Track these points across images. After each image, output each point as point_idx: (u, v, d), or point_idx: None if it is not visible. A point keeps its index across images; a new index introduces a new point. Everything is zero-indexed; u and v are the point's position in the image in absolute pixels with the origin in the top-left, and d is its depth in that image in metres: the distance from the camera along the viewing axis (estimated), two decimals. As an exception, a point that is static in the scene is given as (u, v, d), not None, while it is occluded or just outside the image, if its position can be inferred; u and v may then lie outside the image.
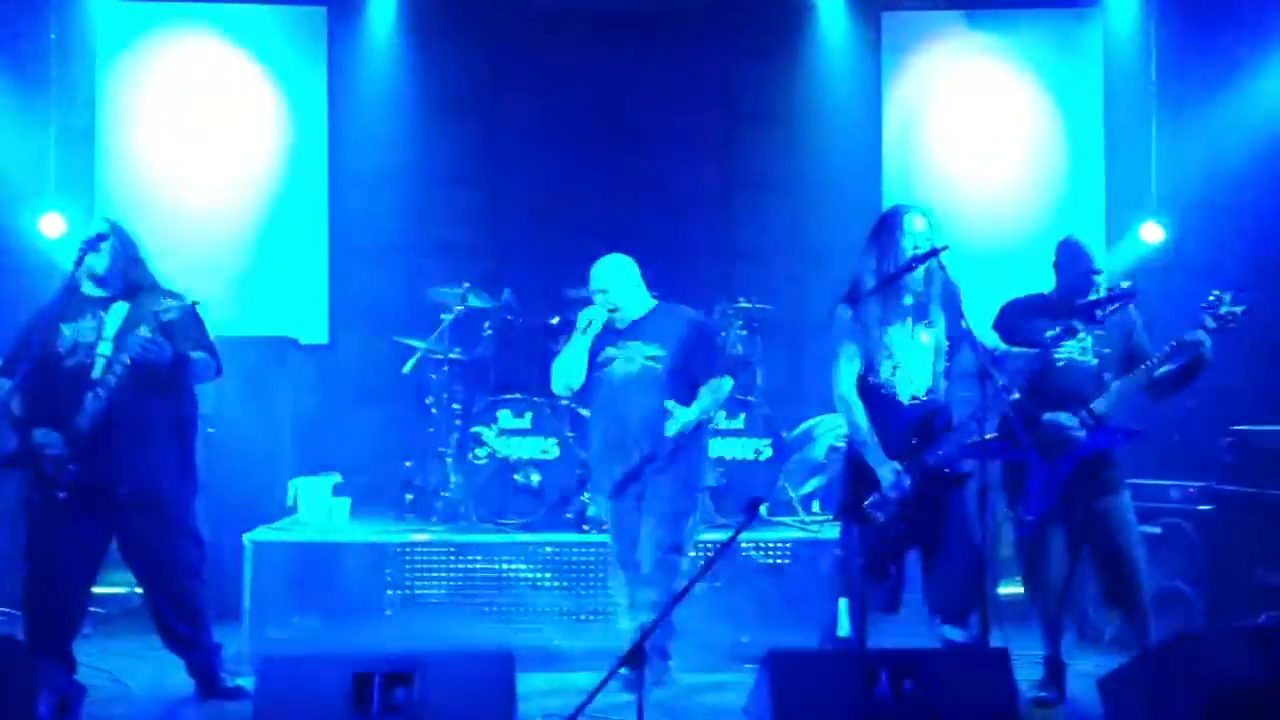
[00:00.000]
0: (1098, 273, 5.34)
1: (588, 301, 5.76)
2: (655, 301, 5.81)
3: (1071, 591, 5.43)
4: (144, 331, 5.11)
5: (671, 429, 5.48)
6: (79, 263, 5.27)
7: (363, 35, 8.57)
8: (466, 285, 7.31)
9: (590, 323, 5.65)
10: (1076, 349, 5.26)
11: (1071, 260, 5.39)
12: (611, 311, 5.66)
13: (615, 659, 3.97)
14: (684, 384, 5.57)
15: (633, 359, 5.61)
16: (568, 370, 5.73)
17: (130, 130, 8.35)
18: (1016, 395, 4.90)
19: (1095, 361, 5.25)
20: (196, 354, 5.36)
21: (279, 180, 8.50)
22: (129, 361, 5.12)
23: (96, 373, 5.21)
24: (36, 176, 7.94)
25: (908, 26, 8.62)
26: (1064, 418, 5.15)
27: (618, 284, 5.69)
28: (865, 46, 8.59)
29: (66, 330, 5.29)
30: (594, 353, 5.70)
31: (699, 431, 5.64)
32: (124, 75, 8.38)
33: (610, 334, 5.70)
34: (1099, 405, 5.16)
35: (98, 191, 8.26)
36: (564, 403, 7.05)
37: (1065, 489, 5.18)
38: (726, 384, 5.69)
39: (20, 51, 7.90)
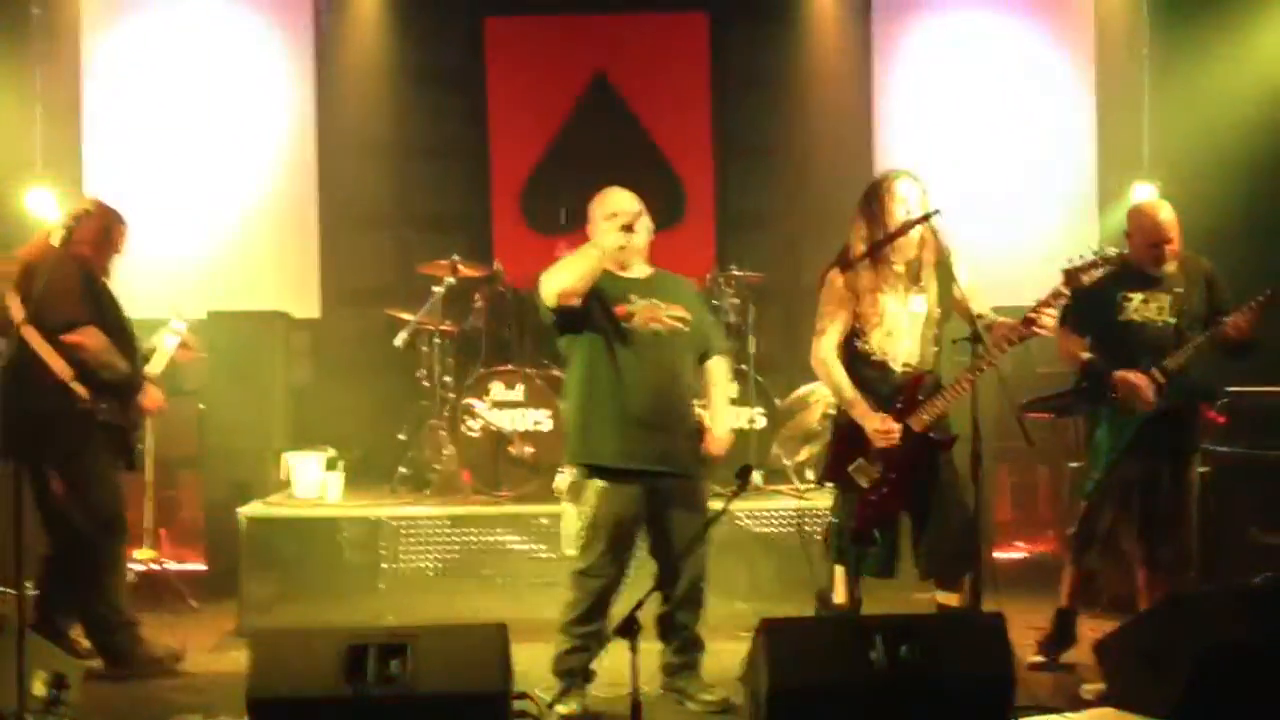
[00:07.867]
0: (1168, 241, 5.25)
1: None
2: None
3: (1114, 547, 5.42)
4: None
5: None
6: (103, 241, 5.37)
7: (349, 7, 8.50)
8: (456, 257, 7.27)
9: None
10: (1151, 308, 5.24)
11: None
12: None
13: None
14: None
15: None
16: None
17: (117, 103, 8.28)
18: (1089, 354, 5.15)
19: (1173, 320, 5.24)
20: None
21: (268, 153, 8.44)
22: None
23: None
24: (23, 151, 7.87)
25: (899, -10, 8.56)
26: (1134, 375, 5.16)
27: None
28: (856, 10, 8.53)
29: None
30: None
31: None
32: (109, 48, 8.31)
33: None
34: (1171, 363, 5.17)
35: (85, 166, 8.19)
36: (556, 373, 7.01)
37: (1131, 445, 5.20)
38: None
39: (3, 25, 7.82)
